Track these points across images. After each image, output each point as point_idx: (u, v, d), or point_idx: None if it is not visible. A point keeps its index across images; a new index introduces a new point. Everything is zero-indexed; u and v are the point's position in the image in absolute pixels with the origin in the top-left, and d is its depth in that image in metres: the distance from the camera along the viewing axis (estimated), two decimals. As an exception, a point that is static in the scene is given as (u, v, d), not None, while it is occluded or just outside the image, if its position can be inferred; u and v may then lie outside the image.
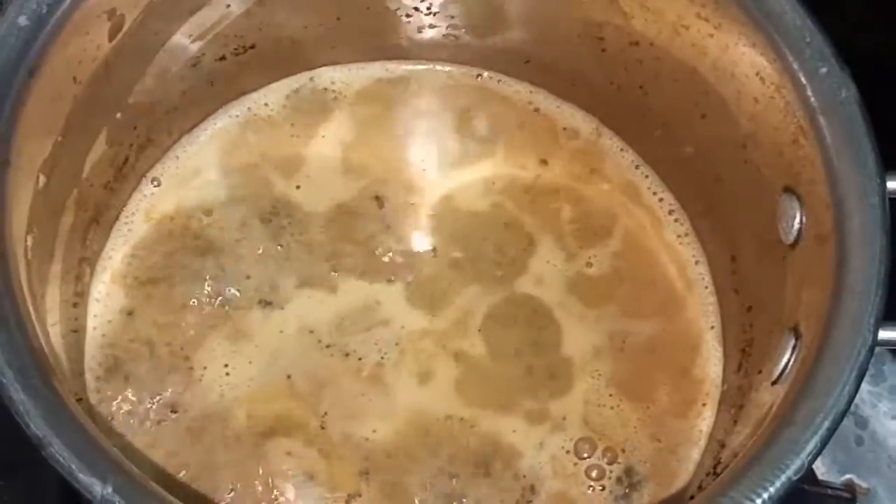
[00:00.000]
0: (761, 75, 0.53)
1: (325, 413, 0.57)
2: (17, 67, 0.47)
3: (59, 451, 0.40)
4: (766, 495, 0.42)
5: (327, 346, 0.59)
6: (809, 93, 0.50)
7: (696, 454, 0.57)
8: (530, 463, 0.56)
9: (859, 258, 0.47)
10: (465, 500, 0.55)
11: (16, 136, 0.47)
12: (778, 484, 0.42)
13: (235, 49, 0.62)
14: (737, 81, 0.55)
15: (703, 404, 0.59)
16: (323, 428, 0.57)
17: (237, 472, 0.55)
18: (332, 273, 0.61)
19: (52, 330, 0.52)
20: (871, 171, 0.48)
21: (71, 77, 0.51)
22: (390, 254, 0.62)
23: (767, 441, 0.44)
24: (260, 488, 0.55)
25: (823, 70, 0.50)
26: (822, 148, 0.50)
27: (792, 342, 0.50)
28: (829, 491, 0.62)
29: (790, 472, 0.43)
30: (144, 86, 0.58)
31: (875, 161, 0.48)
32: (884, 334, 0.46)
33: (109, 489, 0.40)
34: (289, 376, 0.58)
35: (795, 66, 0.51)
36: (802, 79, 0.51)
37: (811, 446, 0.43)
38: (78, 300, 0.57)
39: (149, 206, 0.62)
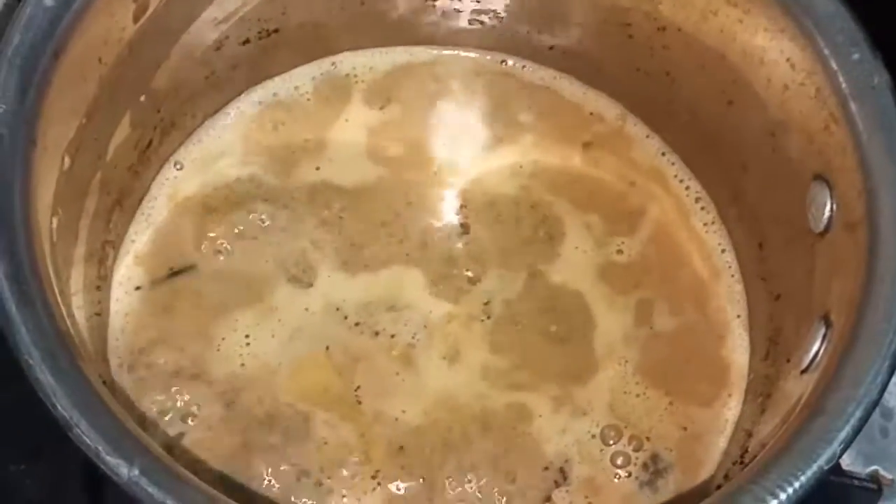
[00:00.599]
0: (792, 61, 0.52)
1: (359, 387, 0.57)
2: (43, 48, 0.47)
3: (86, 433, 0.40)
4: (797, 484, 0.42)
5: (356, 325, 0.58)
6: (841, 79, 0.50)
7: (722, 443, 0.57)
8: (558, 448, 0.56)
9: (891, 246, 0.47)
10: (496, 483, 0.55)
11: (42, 117, 0.47)
12: (809, 473, 0.42)
13: (259, 33, 0.62)
14: (766, 68, 0.54)
15: (730, 394, 0.58)
16: (359, 402, 0.56)
17: (269, 448, 0.55)
18: (358, 254, 0.60)
19: (76, 313, 0.51)
20: (904, 159, 0.48)
21: (96, 58, 0.51)
22: (416, 236, 0.61)
23: (798, 430, 0.44)
24: (292, 460, 0.55)
25: (856, 56, 0.50)
26: (854, 135, 0.49)
27: (822, 331, 0.49)
28: (856, 482, 0.62)
29: (821, 461, 0.42)
30: (168, 68, 0.58)
31: (909, 148, 0.48)
32: (916, 323, 0.46)
33: (136, 471, 0.40)
34: (327, 348, 0.58)
35: (827, 51, 0.51)
36: (834, 65, 0.50)
37: (843, 436, 0.43)
38: (101, 283, 0.57)
39: (171, 190, 0.61)
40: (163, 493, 0.40)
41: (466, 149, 0.64)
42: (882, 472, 0.63)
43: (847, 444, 0.43)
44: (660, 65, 0.61)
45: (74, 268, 0.53)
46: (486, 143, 0.65)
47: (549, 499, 0.55)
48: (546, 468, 0.56)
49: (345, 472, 0.55)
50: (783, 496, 0.41)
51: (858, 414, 0.43)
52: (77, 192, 0.53)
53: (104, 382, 0.51)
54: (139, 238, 0.60)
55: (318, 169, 0.63)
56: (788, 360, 0.53)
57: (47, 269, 0.45)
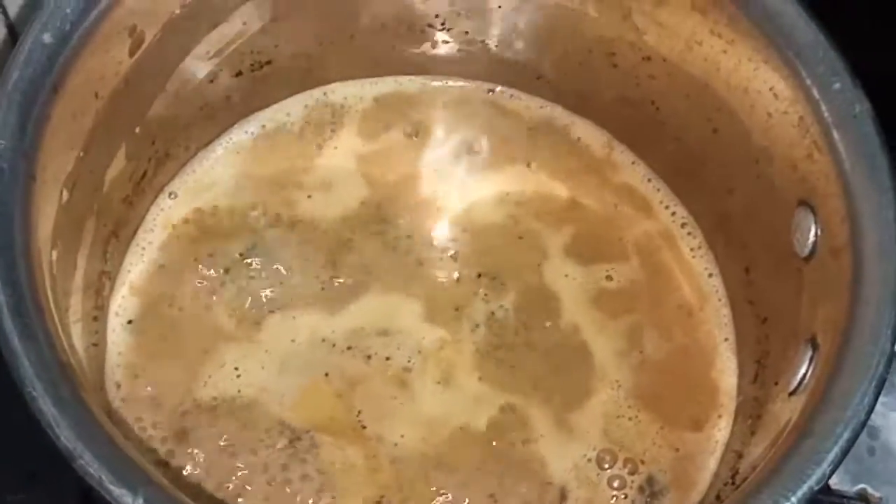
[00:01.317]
0: (775, 91, 0.54)
1: (360, 412, 0.57)
2: (41, 84, 0.48)
3: (90, 463, 0.40)
4: (787, 505, 0.43)
5: (348, 349, 0.59)
6: (823, 108, 0.51)
7: (712, 464, 0.57)
8: (555, 472, 0.57)
9: (875, 270, 0.48)
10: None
11: (41, 152, 0.47)
12: (799, 494, 0.43)
13: (252, 65, 0.63)
14: (750, 97, 0.55)
15: (719, 416, 0.59)
16: (364, 427, 0.57)
17: (273, 473, 0.56)
18: (349, 282, 0.61)
19: (75, 343, 0.52)
20: (885, 185, 0.49)
21: (93, 93, 0.52)
22: (406, 264, 0.62)
23: (787, 452, 0.45)
24: (297, 485, 0.56)
25: (837, 85, 0.51)
26: (837, 162, 0.50)
27: (809, 353, 0.50)
28: (844, 501, 0.62)
29: (811, 482, 0.43)
30: (163, 101, 0.58)
31: (890, 175, 0.49)
32: (902, 345, 0.47)
33: (140, 500, 0.40)
34: (326, 374, 0.58)
35: (809, 81, 0.52)
36: (816, 94, 0.51)
37: (832, 457, 0.44)
38: (98, 314, 0.58)
39: (166, 220, 0.62)
40: (167, 523, 0.40)
41: (454, 177, 0.65)
42: (870, 490, 0.64)
43: (836, 465, 0.44)
44: (645, 93, 0.62)
45: (73, 299, 0.53)
46: (474, 171, 0.66)
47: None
48: (544, 492, 0.56)
49: (351, 495, 0.55)
50: (774, 516, 0.42)
51: (847, 435, 0.44)
52: (75, 225, 0.53)
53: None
54: (134, 269, 0.60)
55: (309, 197, 0.64)
56: (776, 383, 0.54)
57: (48, 301, 0.46)
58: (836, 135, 0.50)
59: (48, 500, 0.60)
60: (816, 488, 0.43)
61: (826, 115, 0.51)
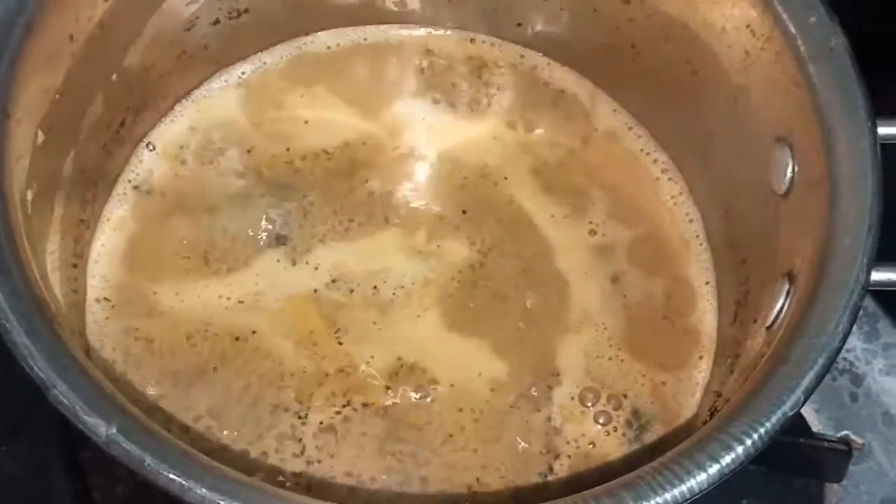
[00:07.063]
0: (751, 27, 0.54)
1: (338, 329, 0.58)
2: (13, 22, 0.48)
3: (64, 393, 0.41)
4: (762, 430, 0.43)
5: (333, 281, 0.59)
6: (799, 42, 0.51)
7: (693, 405, 0.57)
8: (542, 410, 0.57)
9: (851, 201, 0.48)
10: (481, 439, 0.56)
11: (13, 89, 0.47)
12: (774, 420, 0.43)
13: (230, 13, 0.62)
14: (727, 35, 0.55)
15: (700, 357, 0.59)
16: (340, 343, 0.58)
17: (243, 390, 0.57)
18: (332, 223, 0.61)
19: (54, 289, 0.52)
20: (861, 117, 0.49)
21: (67, 35, 0.52)
22: (389, 206, 0.62)
23: (763, 380, 0.45)
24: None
25: (812, 19, 0.51)
26: (813, 96, 0.50)
27: (786, 287, 0.50)
28: (826, 444, 0.63)
29: (786, 408, 0.43)
30: (140, 48, 0.58)
31: (865, 107, 0.49)
32: (877, 275, 0.47)
33: (114, 429, 0.40)
34: (315, 291, 0.59)
35: (785, 16, 0.52)
36: (792, 28, 0.52)
37: (806, 383, 0.44)
38: (77, 261, 0.57)
39: (145, 170, 0.62)
40: (140, 450, 0.40)
41: (435, 123, 0.65)
42: (852, 436, 0.64)
43: (810, 392, 0.44)
44: (625, 38, 0.62)
45: (50, 243, 0.53)
46: (454, 117, 0.65)
47: (550, 468, 0.56)
48: (535, 428, 0.56)
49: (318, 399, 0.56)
50: (749, 441, 0.42)
51: (821, 361, 0.44)
52: (51, 168, 0.53)
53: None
54: (114, 216, 0.60)
55: (288, 150, 0.63)
56: (755, 321, 0.54)
57: (22, 239, 0.46)
58: (812, 69, 0.51)
59: (30, 452, 0.60)
60: (790, 414, 0.43)
61: (802, 49, 0.51)
